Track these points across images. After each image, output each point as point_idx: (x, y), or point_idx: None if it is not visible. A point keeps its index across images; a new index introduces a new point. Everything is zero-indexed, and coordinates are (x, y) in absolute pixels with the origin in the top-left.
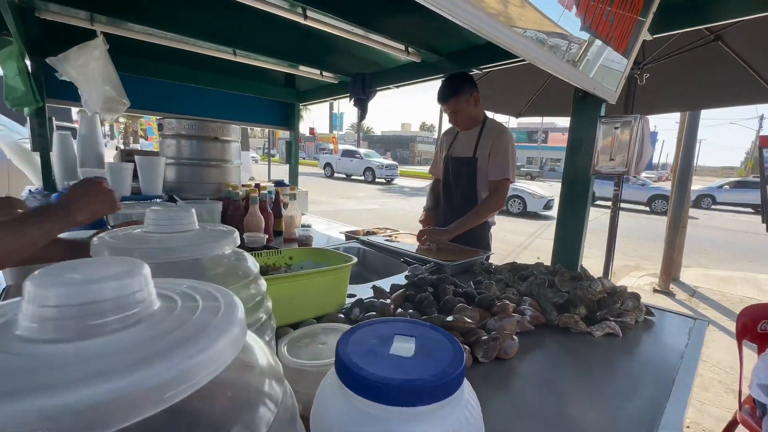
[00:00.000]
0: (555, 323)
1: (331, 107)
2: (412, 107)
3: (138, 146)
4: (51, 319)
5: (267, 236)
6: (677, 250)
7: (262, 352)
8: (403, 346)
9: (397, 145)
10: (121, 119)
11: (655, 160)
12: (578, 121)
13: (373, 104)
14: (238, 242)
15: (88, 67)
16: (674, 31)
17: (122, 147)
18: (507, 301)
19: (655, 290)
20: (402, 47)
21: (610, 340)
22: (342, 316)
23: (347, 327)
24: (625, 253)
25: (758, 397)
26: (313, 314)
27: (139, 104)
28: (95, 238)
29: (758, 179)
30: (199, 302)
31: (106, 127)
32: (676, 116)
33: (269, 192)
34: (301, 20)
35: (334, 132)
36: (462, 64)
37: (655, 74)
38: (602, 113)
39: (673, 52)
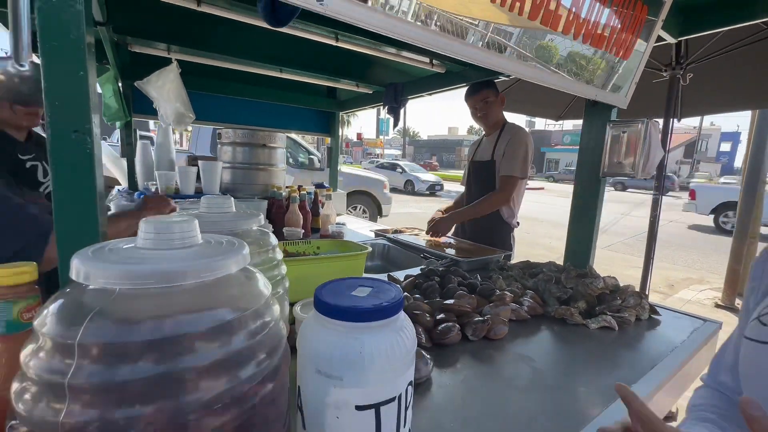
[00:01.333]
0: (552, 315)
1: (378, 113)
2: (459, 111)
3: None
4: (152, 239)
5: (303, 231)
6: (744, 262)
7: (262, 280)
8: (361, 291)
9: (444, 150)
10: (190, 128)
11: (737, 164)
12: (589, 126)
13: (419, 109)
14: (263, 222)
15: (164, 87)
16: (703, 32)
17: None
18: (507, 292)
19: (717, 305)
20: (426, 60)
21: (605, 333)
22: None
23: None
24: (689, 265)
25: None
26: None
27: (203, 116)
28: None
29: None
30: (224, 243)
31: (177, 136)
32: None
33: (308, 193)
34: (333, 42)
35: (381, 137)
36: (486, 72)
37: (705, 73)
38: (614, 117)
39: (720, 49)
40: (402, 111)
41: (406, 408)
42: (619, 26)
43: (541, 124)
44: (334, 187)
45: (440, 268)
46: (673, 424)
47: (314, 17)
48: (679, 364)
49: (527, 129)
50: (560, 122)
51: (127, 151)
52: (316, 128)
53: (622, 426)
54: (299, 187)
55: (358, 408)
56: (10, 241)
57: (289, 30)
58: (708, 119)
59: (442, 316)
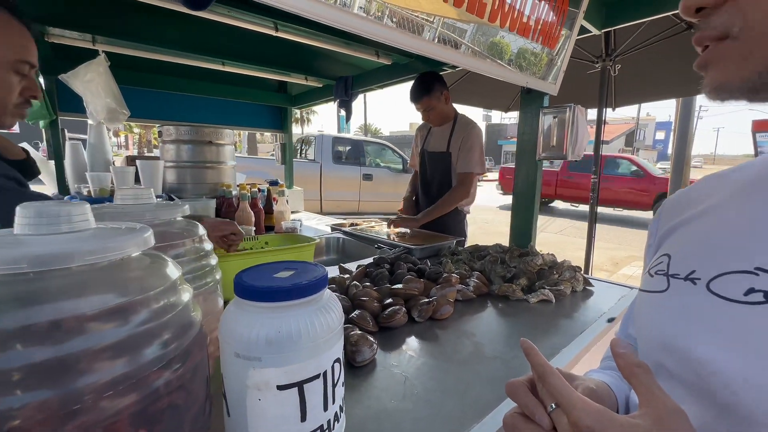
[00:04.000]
0: (496, 292)
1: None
2: None
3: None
4: (33, 224)
5: (255, 228)
6: None
7: (171, 265)
8: (284, 273)
9: (405, 145)
10: (136, 130)
11: (669, 151)
12: (525, 113)
13: (381, 105)
14: (188, 212)
15: (93, 82)
16: (623, 23)
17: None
18: (454, 274)
19: None
20: (372, 51)
21: (544, 306)
22: None
23: None
24: (632, 244)
25: None
26: None
27: (141, 113)
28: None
29: None
30: (123, 228)
31: (122, 138)
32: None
33: (261, 190)
34: (273, 32)
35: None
36: (432, 64)
37: (634, 65)
38: (545, 104)
39: (643, 42)
40: (353, 104)
41: (334, 385)
42: (543, 16)
43: (497, 118)
44: (290, 184)
45: (391, 256)
46: None
47: (248, 5)
48: (605, 329)
49: (484, 122)
50: (515, 116)
51: (56, 152)
52: (268, 125)
53: (527, 377)
54: (250, 185)
55: (280, 387)
56: None
57: (224, 19)
58: (644, 110)
59: (390, 300)
